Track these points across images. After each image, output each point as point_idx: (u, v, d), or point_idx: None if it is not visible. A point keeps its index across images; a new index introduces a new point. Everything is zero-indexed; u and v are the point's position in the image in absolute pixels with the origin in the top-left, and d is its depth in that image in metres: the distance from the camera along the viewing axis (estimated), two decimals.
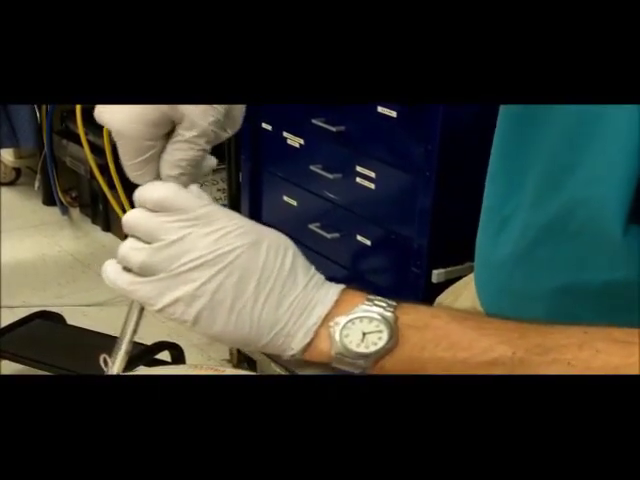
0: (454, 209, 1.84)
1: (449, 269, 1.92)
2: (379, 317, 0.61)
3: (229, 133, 0.71)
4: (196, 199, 0.65)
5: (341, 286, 0.64)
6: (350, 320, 0.62)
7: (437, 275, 1.93)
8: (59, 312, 2.64)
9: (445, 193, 1.89)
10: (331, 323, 0.62)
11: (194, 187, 0.68)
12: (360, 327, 0.61)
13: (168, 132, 0.67)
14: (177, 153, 0.67)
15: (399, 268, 2.05)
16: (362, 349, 0.61)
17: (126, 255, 0.65)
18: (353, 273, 2.20)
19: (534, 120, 0.71)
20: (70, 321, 2.63)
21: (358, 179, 2.08)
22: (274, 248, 0.63)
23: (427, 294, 1.90)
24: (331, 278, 2.22)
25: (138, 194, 0.66)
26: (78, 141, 3.34)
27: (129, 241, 0.66)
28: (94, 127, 3.26)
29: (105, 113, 0.66)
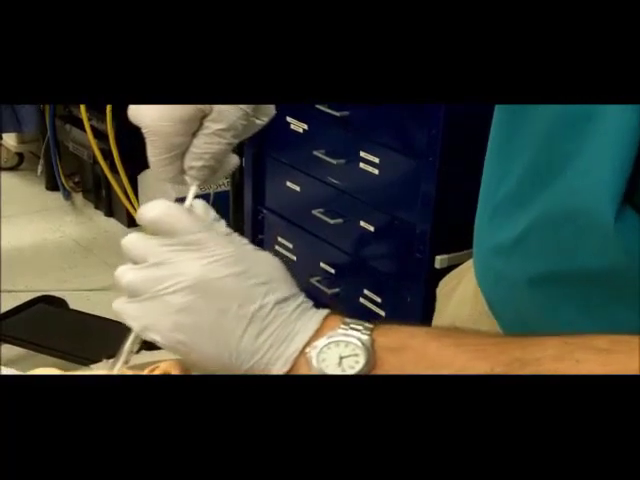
0: (458, 195, 1.83)
1: (452, 255, 1.91)
2: (356, 341, 0.61)
3: (263, 121, 0.71)
4: (191, 223, 0.64)
5: (324, 312, 0.63)
6: (326, 345, 0.61)
7: (440, 261, 1.93)
8: (62, 297, 2.65)
9: (449, 179, 1.88)
10: (308, 349, 0.61)
11: (199, 203, 0.67)
12: (337, 351, 0.60)
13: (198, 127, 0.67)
14: (203, 145, 0.67)
15: (402, 254, 2.04)
16: (339, 373, 0.60)
17: (118, 275, 0.64)
18: (356, 259, 2.20)
19: (529, 108, 0.71)
20: (73, 306, 2.63)
21: (362, 164, 2.07)
22: (262, 279, 0.62)
23: (430, 280, 1.90)
24: (334, 264, 2.23)
25: (138, 213, 0.66)
26: (81, 126, 3.33)
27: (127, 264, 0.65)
28: (97, 112, 3.25)
29: (138, 111, 0.66)
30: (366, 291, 2.16)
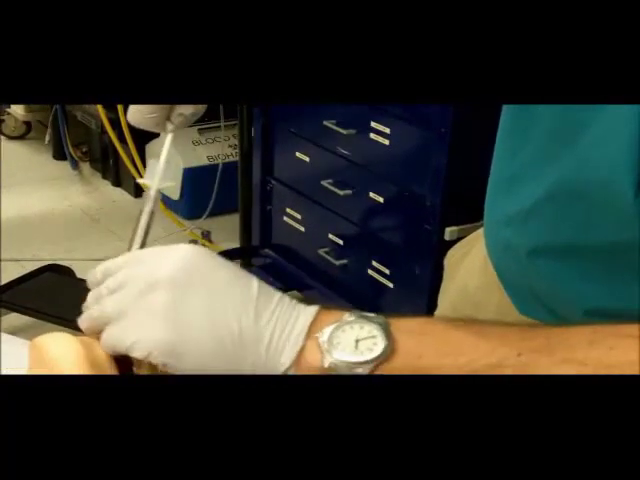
0: (468, 167, 1.82)
1: (462, 227, 1.90)
2: (372, 323, 0.57)
3: None
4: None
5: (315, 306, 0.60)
6: (339, 327, 0.57)
7: (450, 233, 1.92)
8: (69, 266, 2.65)
9: (460, 150, 1.86)
10: (318, 334, 0.57)
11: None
12: (352, 334, 0.57)
13: None
14: None
15: (412, 226, 2.03)
16: (357, 357, 0.56)
17: (91, 317, 0.62)
18: (365, 230, 2.19)
19: None
20: (80, 275, 2.64)
21: (372, 135, 2.06)
22: (235, 271, 0.60)
23: (439, 252, 1.88)
24: (342, 235, 2.21)
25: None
26: None
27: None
28: None
29: None
30: (374, 263, 2.15)
